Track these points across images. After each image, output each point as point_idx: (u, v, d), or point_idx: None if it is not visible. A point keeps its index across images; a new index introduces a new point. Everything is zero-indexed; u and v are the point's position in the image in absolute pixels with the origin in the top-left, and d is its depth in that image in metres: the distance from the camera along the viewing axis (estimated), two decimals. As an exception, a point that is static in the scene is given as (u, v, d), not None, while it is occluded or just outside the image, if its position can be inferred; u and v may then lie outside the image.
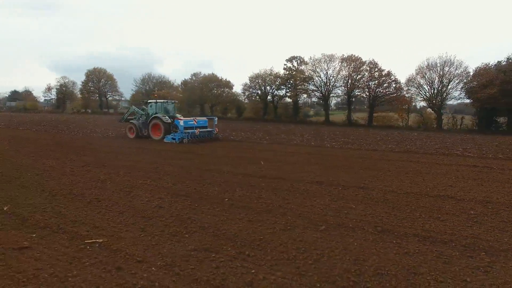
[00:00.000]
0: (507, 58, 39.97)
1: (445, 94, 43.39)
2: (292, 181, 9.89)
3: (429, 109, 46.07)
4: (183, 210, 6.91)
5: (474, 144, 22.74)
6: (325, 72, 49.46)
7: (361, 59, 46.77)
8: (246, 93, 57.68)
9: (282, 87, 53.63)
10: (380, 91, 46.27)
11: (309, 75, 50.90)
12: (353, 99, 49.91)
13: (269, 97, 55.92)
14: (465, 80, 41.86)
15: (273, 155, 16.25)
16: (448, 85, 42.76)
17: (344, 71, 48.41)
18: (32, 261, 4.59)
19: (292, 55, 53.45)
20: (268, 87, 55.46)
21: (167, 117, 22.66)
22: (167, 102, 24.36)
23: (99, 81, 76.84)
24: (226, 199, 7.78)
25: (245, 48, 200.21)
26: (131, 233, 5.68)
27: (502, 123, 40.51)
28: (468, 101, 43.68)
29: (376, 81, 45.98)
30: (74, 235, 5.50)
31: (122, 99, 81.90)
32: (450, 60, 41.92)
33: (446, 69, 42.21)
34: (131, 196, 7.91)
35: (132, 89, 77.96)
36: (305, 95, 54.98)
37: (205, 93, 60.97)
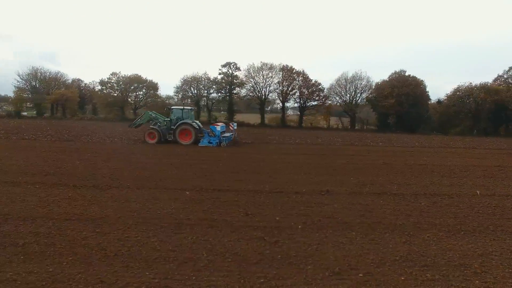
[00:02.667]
0: (398, 72, 53.90)
1: (354, 101, 54.68)
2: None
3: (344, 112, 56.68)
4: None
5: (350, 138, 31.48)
6: (262, 79, 53.76)
7: (295, 69, 53.32)
8: (180, 95, 56.34)
9: (222, 91, 54.97)
10: (309, 98, 53.88)
11: (245, 81, 54.26)
12: (287, 104, 56.10)
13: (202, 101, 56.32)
14: (369, 92, 53.93)
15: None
16: (358, 95, 54.14)
17: (276, 78, 54.04)
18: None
19: (227, 61, 55.47)
20: (203, 91, 55.79)
21: (197, 122, 23.89)
22: (190, 109, 24.63)
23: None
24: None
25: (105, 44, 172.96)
26: None
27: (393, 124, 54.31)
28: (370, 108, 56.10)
29: (306, 90, 53.32)
30: None
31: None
32: (360, 75, 53.17)
33: (357, 82, 53.29)
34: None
35: (14, 86, 62.48)
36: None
37: (127, 94, 55.99)
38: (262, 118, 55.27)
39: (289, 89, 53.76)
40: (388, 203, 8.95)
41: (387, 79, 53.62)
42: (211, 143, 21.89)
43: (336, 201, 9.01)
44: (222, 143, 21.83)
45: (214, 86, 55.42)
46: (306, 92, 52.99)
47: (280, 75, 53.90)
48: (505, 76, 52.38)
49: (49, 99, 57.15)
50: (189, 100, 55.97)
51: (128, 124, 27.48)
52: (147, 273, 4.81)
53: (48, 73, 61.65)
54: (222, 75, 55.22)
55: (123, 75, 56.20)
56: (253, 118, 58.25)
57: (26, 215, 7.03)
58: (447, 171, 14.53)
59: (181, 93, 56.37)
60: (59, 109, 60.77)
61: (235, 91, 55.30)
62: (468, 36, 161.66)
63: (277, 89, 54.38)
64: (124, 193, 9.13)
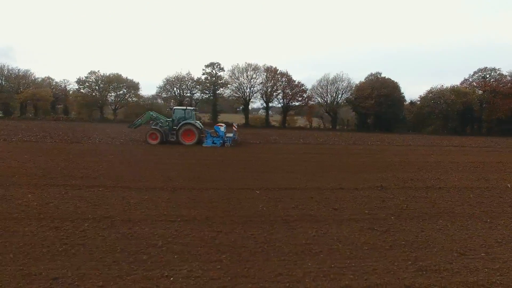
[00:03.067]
0: (374, 74, 56.77)
1: (335, 102, 56.80)
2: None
3: (326, 113, 58.58)
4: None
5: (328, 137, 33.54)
6: (247, 80, 54.16)
7: (279, 70, 54.27)
8: (162, 95, 55.26)
9: (206, 91, 54.67)
10: (293, 98, 55.10)
11: (230, 81, 54.42)
12: (270, 105, 56.92)
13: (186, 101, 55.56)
14: (349, 93, 56.27)
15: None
16: (339, 96, 56.29)
17: (260, 79, 54.74)
18: None
19: (211, 62, 55.24)
20: (186, 91, 55.15)
21: (199, 122, 23.95)
22: (193, 109, 24.55)
23: None
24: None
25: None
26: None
27: (371, 124, 57.16)
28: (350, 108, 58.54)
29: (290, 91, 54.49)
30: None
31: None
32: (342, 76, 55.36)
33: (338, 83, 55.41)
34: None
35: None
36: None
37: (106, 94, 54.02)
38: (246, 118, 55.67)
39: (273, 89, 54.62)
40: (444, 196, 9.88)
41: (364, 80, 56.32)
42: (215, 143, 21.99)
43: (396, 195, 9.77)
44: (226, 143, 22.02)
45: (198, 87, 54.92)
46: (290, 93, 54.10)
47: (264, 76, 54.66)
48: (470, 79, 56.99)
49: (18, 98, 53.52)
50: (172, 100, 55.03)
51: (127, 125, 26.84)
52: (309, 264, 5.22)
53: (15, 71, 57.72)
54: (206, 75, 54.98)
55: (102, 74, 54.06)
56: (237, 119, 58.53)
57: (132, 217, 7.05)
58: (468, 167, 15.90)
59: (163, 93, 55.17)
60: (28, 109, 57.11)
61: (219, 92, 55.22)
62: (433, 40, 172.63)
63: (261, 89, 55.05)
64: (210, 194, 9.23)
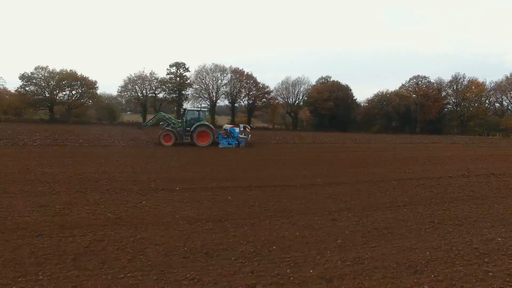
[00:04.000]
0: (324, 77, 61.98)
1: (297, 103, 60.57)
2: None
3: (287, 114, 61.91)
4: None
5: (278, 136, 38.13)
6: (214, 81, 54.51)
7: (245, 71, 55.75)
8: (124, 95, 52.41)
9: (171, 92, 53.43)
10: (258, 99, 57.16)
11: (196, 82, 54.20)
12: (236, 105, 58.05)
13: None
14: (306, 94, 60.53)
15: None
16: (300, 97, 60.17)
17: (225, 80, 55.68)
18: None
19: (176, 61, 54.22)
20: (150, 91, 53.24)
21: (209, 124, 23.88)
22: (206, 110, 24.38)
23: None
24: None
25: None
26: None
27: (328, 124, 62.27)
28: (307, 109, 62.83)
29: (254, 92, 56.47)
30: None
31: None
32: (303, 79, 59.29)
33: (300, 85, 59.26)
34: None
35: None
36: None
37: (56, 93, 49.28)
38: (213, 119, 55.95)
39: (239, 90, 55.95)
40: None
41: (315, 83, 61.57)
42: (230, 144, 22.54)
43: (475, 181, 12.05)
44: (241, 144, 22.80)
45: (163, 87, 53.39)
46: (256, 94, 56.02)
47: (229, 77, 55.67)
48: (406, 85, 65.79)
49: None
50: (134, 100, 52.62)
51: (138, 126, 25.65)
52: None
53: None
54: (170, 75, 53.77)
55: (51, 70, 49.00)
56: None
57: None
58: (474, 160, 19.38)
59: (125, 93, 52.38)
60: None
61: (184, 92, 54.53)
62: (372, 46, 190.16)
63: (226, 90, 55.93)
64: (289, 192, 9.41)
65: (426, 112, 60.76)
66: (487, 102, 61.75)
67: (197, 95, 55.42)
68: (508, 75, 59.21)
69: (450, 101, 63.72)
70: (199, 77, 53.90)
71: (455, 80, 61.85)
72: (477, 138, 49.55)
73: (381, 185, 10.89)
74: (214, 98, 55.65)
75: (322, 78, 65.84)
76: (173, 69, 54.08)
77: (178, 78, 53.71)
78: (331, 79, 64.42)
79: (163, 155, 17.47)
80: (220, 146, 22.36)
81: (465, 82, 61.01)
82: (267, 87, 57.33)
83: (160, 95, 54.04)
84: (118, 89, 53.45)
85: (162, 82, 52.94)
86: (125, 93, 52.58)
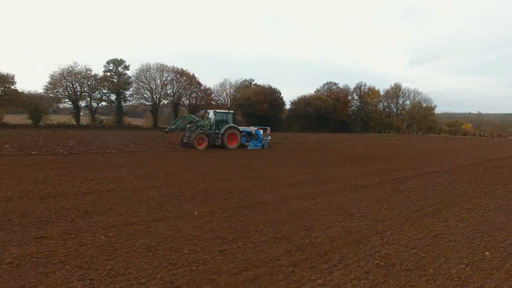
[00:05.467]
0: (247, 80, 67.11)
1: (234, 105, 63.67)
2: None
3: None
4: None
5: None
6: (158, 81, 52.77)
7: (187, 72, 55.58)
8: (52, 94, 45.74)
9: (109, 91, 49.28)
10: (199, 100, 57.92)
11: (137, 81, 51.58)
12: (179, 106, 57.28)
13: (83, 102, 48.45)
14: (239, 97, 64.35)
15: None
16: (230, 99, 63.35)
17: (168, 80, 54.65)
18: None
19: (114, 58, 50.25)
20: (84, 88, 47.94)
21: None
22: (233, 112, 25.43)
23: None
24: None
25: None
26: None
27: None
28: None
29: (198, 93, 57.15)
30: None
31: None
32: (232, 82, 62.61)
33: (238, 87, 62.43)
34: None
35: None
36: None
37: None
38: (155, 120, 54.16)
39: (181, 91, 55.67)
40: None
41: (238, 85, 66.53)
42: (256, 146, 23.94)
43: None
44: (264, 145, 24.45)
45: (103, 85, 48.69)
46: (200, 95, 56.75)
47: (169, 77, 54.78)
48: (321, 90, 76.53)
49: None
50: (67, 100, 46.61)
51: (164, 129, 24.05)
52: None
53: None
54: (108, 73, 49.58)
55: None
56: (141, 122, 55.86)
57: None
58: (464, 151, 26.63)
59: (53, 91, 45.76)
60: None
61: (125, 91, 51.13)
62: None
63: (169, 91, 54.90)
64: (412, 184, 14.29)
65: (338, 114, 72.40)
66: (380, 106, 77.68)
67: (139, 96, 52.68)
68: (393, 84, 76.44)
69: (355, 104, 77.30)
70: (143, 76, 51.28)
71: (359, 87, 75.62)
72: (375, 135, 63.04)
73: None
74: (157, 100, 53.88)
75: (245, 81, 70.71)
76: (111, 66, 50.03)
77: (117, 76, 49.95)
78: (254, 82, 70.41)
79: (239, 157, 18.61)
80: (248, 148, 23.54)
81: (366, 89, 75.27)
82: (209, 88, 58.70)
83: (98, 95, 49.16)
84: (44, 86, 46.16)
85: (102, 79, 48.24)
86: (53, 91, 45.89)
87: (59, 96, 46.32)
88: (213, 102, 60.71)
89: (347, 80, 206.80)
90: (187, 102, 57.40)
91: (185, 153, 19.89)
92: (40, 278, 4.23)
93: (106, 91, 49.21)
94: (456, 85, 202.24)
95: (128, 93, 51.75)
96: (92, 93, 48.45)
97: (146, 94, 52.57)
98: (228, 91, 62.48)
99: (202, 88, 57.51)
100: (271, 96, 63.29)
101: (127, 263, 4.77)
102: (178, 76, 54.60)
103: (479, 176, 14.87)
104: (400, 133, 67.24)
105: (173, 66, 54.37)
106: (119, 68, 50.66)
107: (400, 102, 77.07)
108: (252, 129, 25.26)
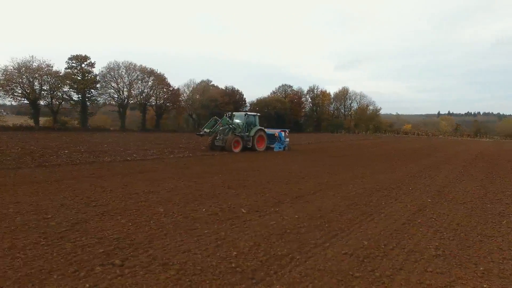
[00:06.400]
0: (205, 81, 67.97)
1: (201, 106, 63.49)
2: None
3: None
4: None
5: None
6: (124, 80, 50.05)
7: (155, 71, 53.75)
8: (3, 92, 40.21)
9: (72, 90, 45.15)
10: (167, 101, 56.54)
11: (103, 79, 48.35)
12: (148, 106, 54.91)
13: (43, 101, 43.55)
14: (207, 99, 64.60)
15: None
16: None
17: (128, 77, 52.26)
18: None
19: (77, 54, 46.10)
20: (44, 86, 43.13)
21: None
22: (259, 114, 26.14)
23: None
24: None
25: None
26: None
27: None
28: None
29: (166, 94, 55.72)
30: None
31: None
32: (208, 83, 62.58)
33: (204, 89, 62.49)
34: None
35: None
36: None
37: None
38: (123, 122, 51.20)
39: (149, 91, 53.74)
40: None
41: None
42: (280, 148, 25.26)
43: None
44: (286, 147, 25.87)
45: (65, 83, 44.25)
46: (168, 96, 55.35)
47: (136, 77, 52.46)
48: (277, 92, 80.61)
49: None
50: (23, 99, 41.27)
51: (198, 132, 23.44)
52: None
53: None
54: (70, 70, 45.31)
55: None
56: (108, 123, 52.41)
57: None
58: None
59: (5, 88, 40.15)
60: None
61: (91, 90, 47.24)
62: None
63: (135, 90, 52.48)
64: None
65: (293, 114, 77.32)
66: (331, 107, 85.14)
67: (106, 96, 49.15)
68: (341, 87, 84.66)
69: (308, 106, 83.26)
70: (111, 74, 47.99)
71: (312, 90, 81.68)
72: (328, 134, 69.38)
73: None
74: (125, 100, 50.94)
75: (203, 81, 70.96)
76: (73, 63, 45.78)
77: (81, 74, 45.91)
78: (212, 83, 71.16)
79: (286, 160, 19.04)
80: (275, 150, 24.71)
81: (318, 92, 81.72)
82: (178, 89, 57.60)
83: (59, 94, 44.38)
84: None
85: (64, 77, 43.76)
86: (6, 88, 40.16)
87: (15, 94, 40.72)
88: (182, 103, 59.82)
89: (281, 81, 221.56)
90: (154, 102, 55.46)
91: (242, 155, 20.86)
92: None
93: (67, 89, 44.92)
94: (376, 89, 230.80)
95: (94, 92, 47.97)
96: (53, 92, 43.74)
97: (114, 93, 49.48)
98: (188, 91, 61.90)
99: (171, 88, 56.10)
100: (234, 97, 64.82)
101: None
102: (146, 76, 52.54)
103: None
104: (351, 132, 75.10)
105: (141, 65, 52.14)
106: (83, 65, 46.56)
107: (348, 104, 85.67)
108: (275, 131, 26.48)
